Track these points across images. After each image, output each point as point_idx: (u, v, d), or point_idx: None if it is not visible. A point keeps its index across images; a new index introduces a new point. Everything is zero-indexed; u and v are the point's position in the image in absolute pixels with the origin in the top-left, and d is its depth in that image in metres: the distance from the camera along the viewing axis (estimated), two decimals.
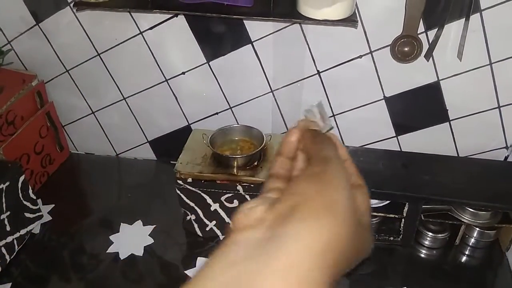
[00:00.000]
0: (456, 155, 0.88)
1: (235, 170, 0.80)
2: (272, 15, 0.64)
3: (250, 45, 0.81)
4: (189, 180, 0.80)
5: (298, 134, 0.37)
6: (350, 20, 0.63)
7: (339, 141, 0.37)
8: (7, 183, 0.78)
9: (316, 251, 0.26)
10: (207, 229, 0.84)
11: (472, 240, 0.82)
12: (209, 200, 0.81)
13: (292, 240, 0.27)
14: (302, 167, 0.36)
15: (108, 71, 0.91)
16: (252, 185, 0.79)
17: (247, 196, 0.79)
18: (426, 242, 0.83)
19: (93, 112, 0.98)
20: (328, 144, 0.35)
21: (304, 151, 0.37)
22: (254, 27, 0.78)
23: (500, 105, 0.80)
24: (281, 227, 0.28)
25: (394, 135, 0.88)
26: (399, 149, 0.89)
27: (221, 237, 0.85)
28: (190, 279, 0.27)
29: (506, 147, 0.85)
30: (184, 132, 0.92)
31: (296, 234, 0.27)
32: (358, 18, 0.73)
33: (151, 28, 0.81)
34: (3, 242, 0.78)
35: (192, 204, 0.82)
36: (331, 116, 0.87)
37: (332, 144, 0.35)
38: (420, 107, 0.83)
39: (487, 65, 0.76)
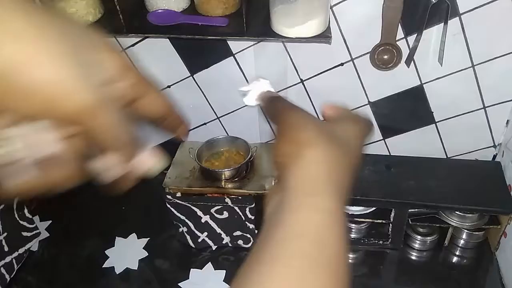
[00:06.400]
0: (445, 156, 0.88)
1: (223, 183, 0.81)
2: (246, 34, 0.64)
3: (232, 57, 0.81)
4: (178, 194, 0.81)
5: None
6: (324, 36, 0.62)
7: None
8: (2, 206, 0.80)
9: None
10: (199, 240, 0.86)
11: (461, 241, 0.83)
12: (199, 213, 0.82)
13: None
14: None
15: None
16: (240, 197, 0.80)
17: (236, 208, 0.80)
18: (416, 245, 0.83)
19: None
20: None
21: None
22: (235, 40, 0.79)
23: (486, 105, 0.79)
24: None
25: (381, 138, 0.88)
26: (387, 152, 0.90)
27: (213, 247, 0.87)
28: None
29: (494, 146, 0.85)
30: (174, 143, 0.93)
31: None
32: (337, 26, 0.73)
33: (133, 45, 0.82)
34: (2, 262, 0.80)
35: (182, 217, 0.83)
36: None
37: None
38: (406, 110, 0.83)
39: (470, 67, 0.75)
